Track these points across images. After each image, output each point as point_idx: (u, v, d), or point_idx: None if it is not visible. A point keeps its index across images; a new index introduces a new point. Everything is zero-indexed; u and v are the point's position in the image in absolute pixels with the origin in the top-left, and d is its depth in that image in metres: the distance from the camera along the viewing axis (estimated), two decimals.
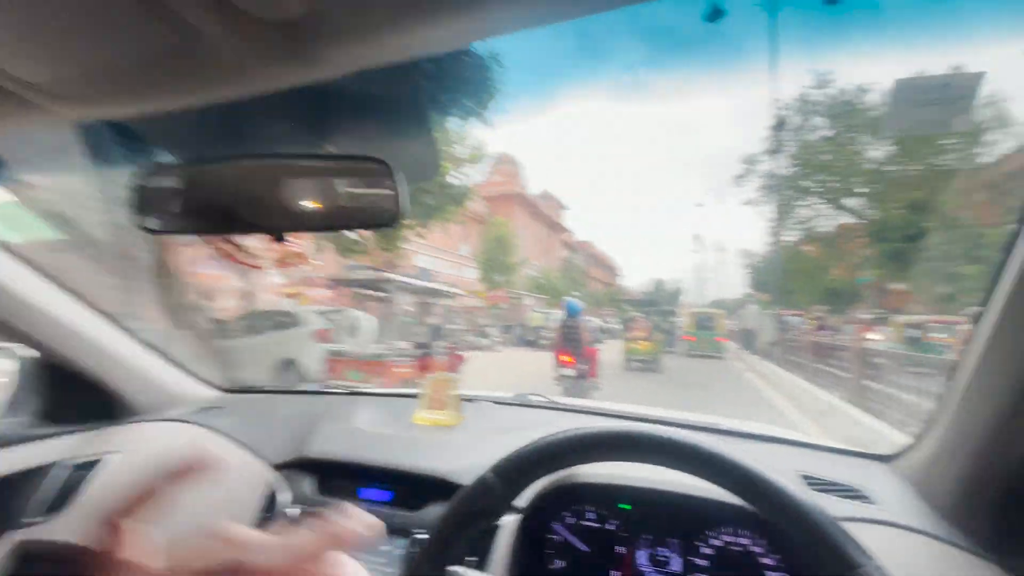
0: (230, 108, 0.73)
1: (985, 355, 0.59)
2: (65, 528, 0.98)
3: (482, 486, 0.57)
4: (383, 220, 0.66)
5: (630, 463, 0.58)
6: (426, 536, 0.76)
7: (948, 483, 0.72)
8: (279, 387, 1.56)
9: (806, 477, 0.82)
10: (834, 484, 0.81)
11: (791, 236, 20.25)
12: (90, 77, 0.42)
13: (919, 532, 0.69)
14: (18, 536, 0.99)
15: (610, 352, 9.22)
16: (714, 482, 0.54)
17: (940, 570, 0.65)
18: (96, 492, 1.02)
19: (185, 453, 0.98)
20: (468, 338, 15.18)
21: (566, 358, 6.10)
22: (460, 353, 7.34)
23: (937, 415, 0.76)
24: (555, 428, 1.02)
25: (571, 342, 6.18)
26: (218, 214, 0.69)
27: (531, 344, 17.10)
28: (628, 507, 0.78)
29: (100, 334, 1.15)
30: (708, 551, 0.72)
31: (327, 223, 0.73)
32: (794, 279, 22.65)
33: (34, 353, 1.12)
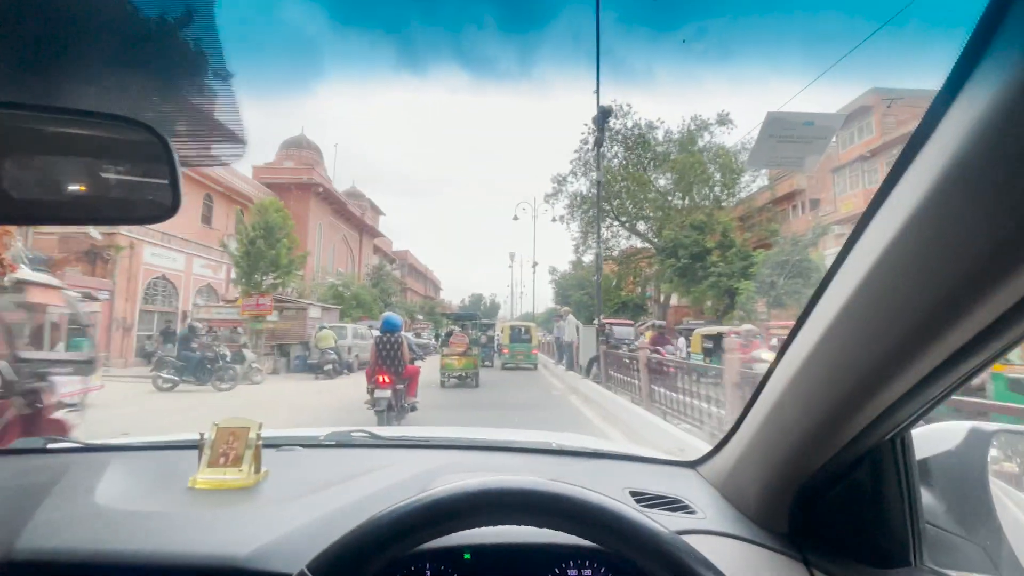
0: None
1: (800, 371, 0.66)
2: None
3: None
4: (147, 214, 0.50)
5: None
6: None
7: (751, 486, 0.82)
8: None
9: (634, 493, 0.88)
10: (660, 497, 0.88)
11: (591, 254, 23.06)
12: None
13: (737, 538, 0.78)
14: None
15: (426, 369, 8.58)
16: (577, 534, 0.51)
17: (758, 572, 0.72)
18: None
19: None
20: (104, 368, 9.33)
21: (384, 378, 5.76)
22: (56, 415, 3.46)
23: (742, 423, 0.86)
24: (382, 473, 0.94)
25: (389, 360, 5.89)
26: None
27: (315, 369, 13.73)
28: (469, 556, 0.72)
29: None
30: None
31: (52, 214, 0.53)
32: (592, 296, 26.58)
33: None
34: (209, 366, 10.91)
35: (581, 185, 23.78)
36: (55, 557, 0.67)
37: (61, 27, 0.50)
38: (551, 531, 0.56)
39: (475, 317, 20.72)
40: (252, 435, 0.88)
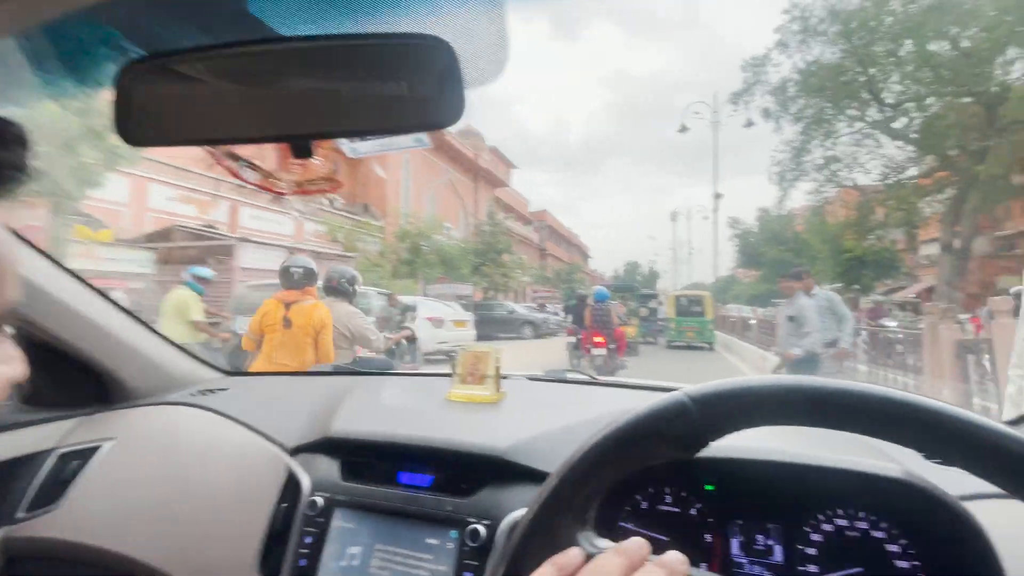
0: None
1: None
2: (53, 524, 1.13)
3: (678, 406, 0.53)
4: (437, 119, 0.68)
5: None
6: (483, 526, 0.84)
7: None
8: (285, 371, 1.75)
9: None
10: None
11: (810, 181, 17.71)
12: None
13: None
14: (4, 532, 1.14)
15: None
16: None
17: None
18: (92, 483, 1.17)
19: (189, 438, 1.11)
20: None
21: (599, 339, 8.88)
22: None
23: None
24: (598, 405, 1.16)
25: (602, 324, 9.05)
26: (220, 118, 0.72)
27: None
28: (712, 488, 0.83)
29: (88, 308, 1.25)
30: (817, 538, 0.76)
31: (367, 125, 0.75)
32: (800, 252, 22.31)
33: (11, 328, 1.18)
34: None
35: (797, 62, 17.02)
36: (356, 437, 1.04)
37: None
38: (817, 467, 0.69)
39: (632, 288, 20.99)
40: (493, 358, 1.19)
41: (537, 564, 0.47)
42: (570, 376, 1.46)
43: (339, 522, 0.93)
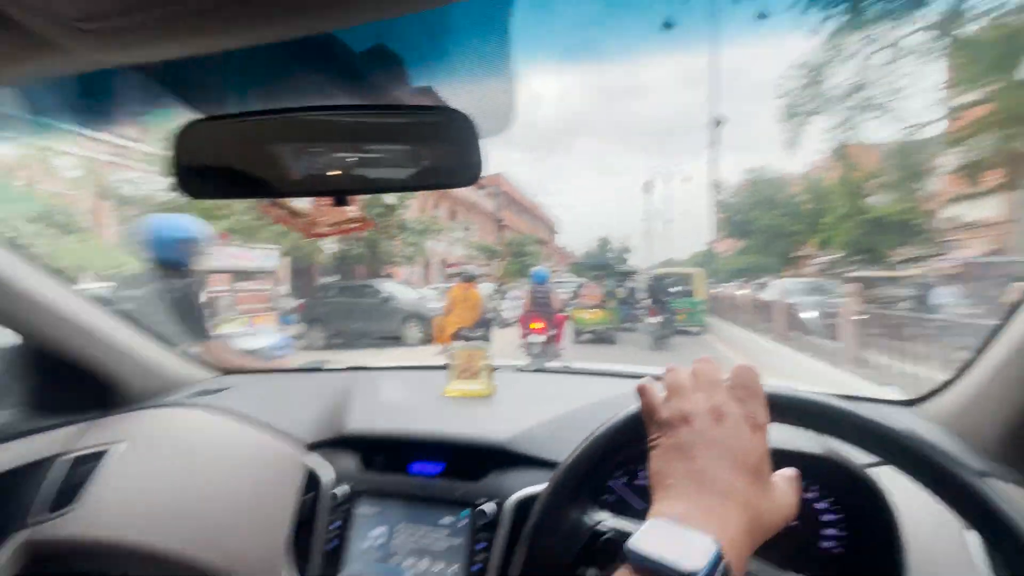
0: (275, 52, 0.85)
1: None
2: (74, 524, 1.32)
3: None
4: (461, 179, 0.89)
5: None
6: (491, 505, 1.10)
7: (992, 423, 1.03)
8: (281, 367, 1.96)
9: None
10: None
11: (816, 146, 15.43)
12: (119, 8, 0.52)
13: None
14: (24, 536, 1.33)
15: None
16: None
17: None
18: (108, 484, 1.37)
19: (203, 437, 1.50)
20: None
21: (537, 325, 9.50)
22: None
23: (979, 358, 1.09)
24: (579, 394, 1.43)
25: (542, 308, 9.68)
26: (271, 174, 0.92)
27: None
28: None
29: (87, 316, 1.46)
30: None
31: (397, 184, 0.98)
32: (798, 216, 21.72)
33: (15, 338, 1.45)
34: None
35: None
36: (372, 433, 1.30)
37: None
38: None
39: (607, 265, 20.20)
40: (486, 355, 1.50)
41: (552, 537, 0.67)
42: (548, 366, 1.81)
43: (362, 508, 1.17)
